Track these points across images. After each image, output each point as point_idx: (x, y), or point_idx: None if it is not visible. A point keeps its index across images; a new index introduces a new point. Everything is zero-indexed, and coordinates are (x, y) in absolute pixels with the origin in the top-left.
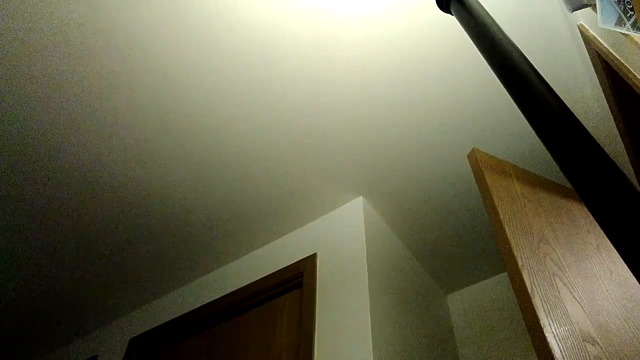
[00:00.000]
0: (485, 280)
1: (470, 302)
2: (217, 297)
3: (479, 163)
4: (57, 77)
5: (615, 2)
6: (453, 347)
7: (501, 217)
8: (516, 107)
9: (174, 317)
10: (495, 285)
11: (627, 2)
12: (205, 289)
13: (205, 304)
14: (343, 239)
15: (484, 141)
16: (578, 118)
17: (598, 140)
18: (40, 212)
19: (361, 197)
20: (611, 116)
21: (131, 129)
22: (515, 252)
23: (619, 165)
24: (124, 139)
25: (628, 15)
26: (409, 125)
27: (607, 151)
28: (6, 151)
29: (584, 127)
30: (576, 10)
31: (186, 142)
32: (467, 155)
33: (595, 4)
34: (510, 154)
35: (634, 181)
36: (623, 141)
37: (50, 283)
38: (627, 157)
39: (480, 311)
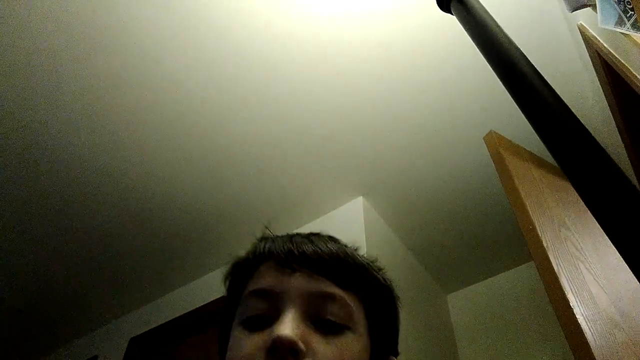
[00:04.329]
0: (485, 280)
1: (470, 302)
2: (217, 297)
3: (497, 145)
4: (57, 77)
5: (615, 2)
6: (453, 347)
7: (523, 197)
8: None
9: (174, 317)
10: (496, 285)
11: (627, 2)
12: (205, 289)
13: (205, 304)
14: (343, 239)
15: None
16: (578, 117)
17: (598, 140)
18: (40, 212)
19: (361, 197)
20: (611, 115)
21: (133, 129)
22: (539, 232)
23: (619, 165)
24: (125, 139)
25: (628, 15)
26: (409, 125)
27: (607, 151)
28: (7, 150)
29: (584, 127)
30: (576, 10)
31: (186, 142)
32: (484, 138)
33: (595, 4)
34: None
35: (634, 181)
36: (623, 140)
37: (50, 283)
38: (627, 156)
39: (480, 311)
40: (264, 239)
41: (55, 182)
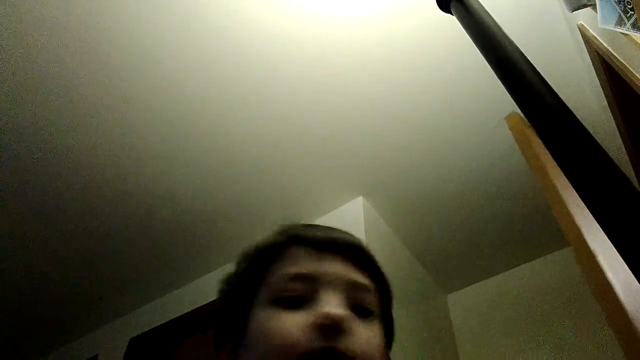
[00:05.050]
0: (485, 280)
1: (470, 302)
2: (217, 297)
3: (520, 124)
4: (57, 78)
5: (615, 2)
6: (453, 347)
7: (552, 178)
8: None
9: (174, 317)
10: (495, 285)
11: (627, 2)
12: (205, 289)
13: (205, 304)
14: None
15: (486, 141)
16: (578, 117)
17: (598, 140)
18: (41, 212)
19: (361, 197)
20: (611, 116)
21: (133, 130)
22: (571, 211)
23: (618, 165)
24: (125, 139)
25: (628, 15)
26: (409, 125)
27: (606, 150)
28: (7, 149)
29: (584, 126)
30: (576, 10)
31: (186, 142)
32: (506, 118)
33: (595, 4)
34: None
35: (634, 181)
36: (623, 141)
37: (50, 283)
38: (627, 156)
39: (480, 311)
40: (289, 225)
41: (54, 181)
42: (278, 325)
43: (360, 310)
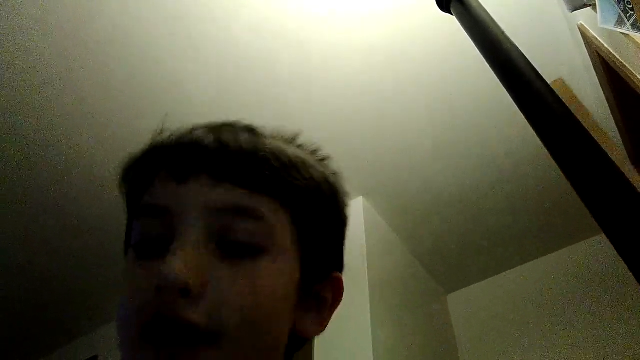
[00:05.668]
0: (485, 280)
1: (470, 302)
2: None
3: (568, 92)
4: (57, 79)
5: (615, 2)
6: (453, 347)
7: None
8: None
9: None
10: (495, 285)
11: (627, 1)
12: None
13: None
14: None
15: (487, 140)
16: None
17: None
18: (41, 211)
19: (361, 197)
20: (611, 116)
21: (133, 130)
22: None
23: (619, 165)
24: (125, 139)
25: (628, 15)
26: (409, 126)
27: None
28: (6, 150)
29: (584, 127)
30: (576, 10)
31: None
32: (552, 83)
33: (595, 4)
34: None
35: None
36: (623, 140)
37: (50, 283)
38: (626, 156)
39: (481, 311)
40: (161, 138)
41: (55, 180)
42: (130, 282)
43: (233, 246)
